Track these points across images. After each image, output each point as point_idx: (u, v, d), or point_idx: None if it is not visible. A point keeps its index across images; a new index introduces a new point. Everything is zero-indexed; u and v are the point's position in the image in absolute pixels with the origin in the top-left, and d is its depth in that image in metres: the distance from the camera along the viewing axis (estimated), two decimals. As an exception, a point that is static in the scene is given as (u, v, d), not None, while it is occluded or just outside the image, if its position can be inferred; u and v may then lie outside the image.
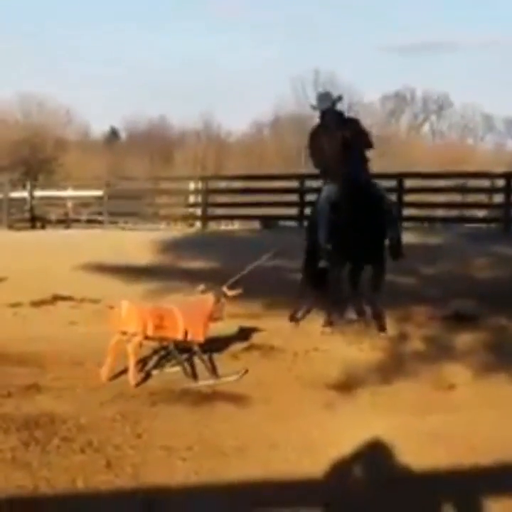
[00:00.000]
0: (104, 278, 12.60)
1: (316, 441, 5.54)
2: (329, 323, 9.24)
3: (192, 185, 25.30)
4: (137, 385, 6.93)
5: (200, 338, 7.23)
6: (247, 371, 7.37)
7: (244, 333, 8.72)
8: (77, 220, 26.20)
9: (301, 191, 22.24)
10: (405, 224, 20.37)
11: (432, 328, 9.11)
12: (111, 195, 25.75)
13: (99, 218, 25.46)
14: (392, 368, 7.49)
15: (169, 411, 6.23)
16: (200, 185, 24.77)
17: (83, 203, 27.37)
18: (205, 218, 23.59)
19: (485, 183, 23.08)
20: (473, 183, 24.32)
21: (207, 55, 79.59)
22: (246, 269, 8.21)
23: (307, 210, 23.19)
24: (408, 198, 21.39)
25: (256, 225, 23.46)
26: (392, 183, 21.18)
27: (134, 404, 6.39)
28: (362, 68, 75.41)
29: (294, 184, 23.24)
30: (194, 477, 4.95)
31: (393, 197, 20.66)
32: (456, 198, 23.89)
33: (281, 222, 23.21)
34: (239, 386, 6.88)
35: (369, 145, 9.59)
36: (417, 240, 15.84)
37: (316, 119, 9.90)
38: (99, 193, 25.81)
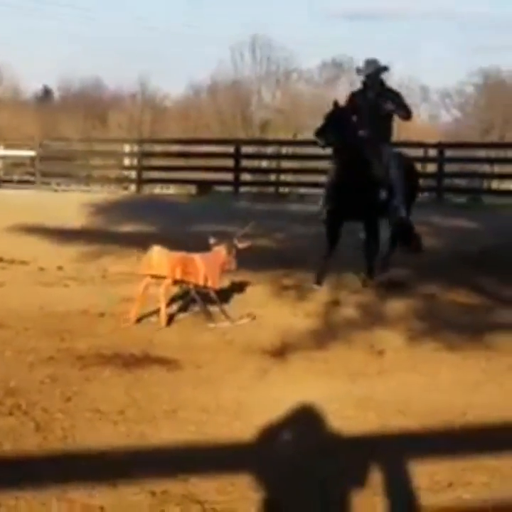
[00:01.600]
0: (35, 239, 12.43)
1: (247, 406, 5.55)
2: (318, 282, 9.48)
3: (127, 148, 25.03)
4: (168, 324, 7.62)
5: (215, 286, 7.94)
6: (255, 317, 8.00)
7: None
8: (9, 181, 25.74)
9: (237, 157, 22.17)
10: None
11: (365, 295, 9.19)
12: (43, 155, 25.35)
13: (31, 179, 25.07)
14: (325, 334, 7.54)
15: (100, 374, 6.18)
16: (135, 148, 24.54)
17: (15, 163, 26.90)
18: (140, 182, 23.41)
19: (419, 152, 23.28)
20: (406, 152, 24.48)
21: (144, 16, 78.39)
22: (248, 225, 8.53)
23: (243, 176, 23.30)
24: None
25: (191, 189, 23.34)
26: (328, 151, 21.22)
27: (64, 367, 6.32)
28: (301, 35, 75.14)
29: (229, 149, 23.16)
30: (125, 440, 4.92)
31: (327, 164, 20.78)
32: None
33: (217, 188, 23.13)
34: (171, 350, 6.85)
35: (405, 117, 10.00)
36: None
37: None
38: (31, 153, 25.38)
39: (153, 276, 7.76)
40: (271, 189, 23.13)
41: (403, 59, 71.58)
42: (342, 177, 9.60)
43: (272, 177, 24.63)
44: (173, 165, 24.77)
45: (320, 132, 9.45)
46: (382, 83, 10.04)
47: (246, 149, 24.63)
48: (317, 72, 56.18)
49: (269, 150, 27.24)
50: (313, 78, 56.05)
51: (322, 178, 21.71)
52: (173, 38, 74.04)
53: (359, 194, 9.46)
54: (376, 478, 4.46)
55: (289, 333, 7.47)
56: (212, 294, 7.98)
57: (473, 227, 11.20)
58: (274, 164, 24.84)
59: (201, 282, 7.83)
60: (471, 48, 71.57)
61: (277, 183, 23.50)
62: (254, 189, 22.82)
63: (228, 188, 22.47)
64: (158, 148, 27.62)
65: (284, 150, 27.04)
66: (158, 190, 25.33)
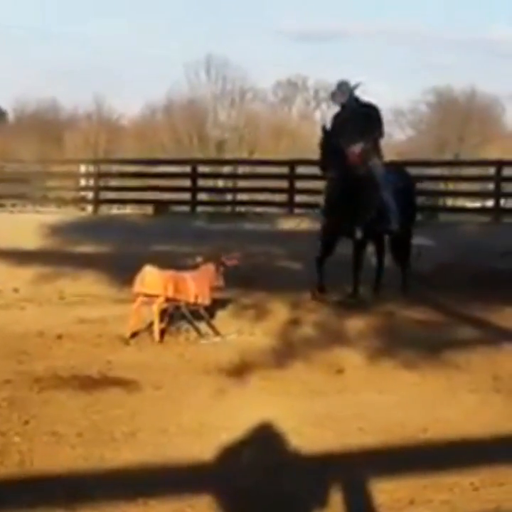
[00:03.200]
0: (-10, 262, 12.27)
1: (206, 426, 5.53)
2: (314, 296, 9.70)
3: (83, 168, 24.87)
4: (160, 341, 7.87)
5: (207, 302, 8.25)
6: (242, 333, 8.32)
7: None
8: (-37, 203, 25.45)
9: (194, 176, 22.16)
10: (297, 210, 20.57)
11: (322, 314, 9.21)
12: (-2, 177, 25.12)
13: (-14, 201, 24.81)
14: (284, 352, 7.55)
15: (57, 397, 6.12)
16: (91, 168, 24.40)
17: (-31, 186, 26.63)
18: (97, 202, 23.25)
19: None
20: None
21: (99, 37, 78.33)
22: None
23: (200, 196, 23.29)
24: (299, 184, 21.54)
25: (148, 209, 23.26)
26: (284, 170, 21.33)
27: (22, 390, 6.26)
28: (256, 55, 75.55)
29: (186, 169, 23.14)
30: (84, 464, 4.87)
31: (284, 183, 20.88)
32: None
33: (174, 207, 23.07)
34: (129, 371, 6.81)
35: (376, 138, 10.20)
36: (309, 226, 16.02)
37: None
38: (-15, 175, 25.15)
39: (146, 295, 8.03)
40: (227, 208, 23.14)
41: (356, 78, 72.15)
42: (335, 194, 9.83)
43: (229, 196, 24.65)
44: (129, 185, 24.65)
45: (324, 166, 9.82)
46: (357, 100, 10.16)
47: (202, 169, 24.63)
48: (272, 91, 56.47)
49: (226, 169, 27.28)
50: (268, 97, 56.34)
51: (277, 197, 21.91)
52: (127, 57, 74.02)
53: (349, 212, 9.65)
54: (336, 496, 4.47)
55: (248, 352, 7.47)
56: (202, 311, 8.27)
57: (429, 244, 11.29)
58: (230, 184, 24.88)
59: (192, 299, 8.14)
60: (422, 66, 72.36)
61: (234, 203, 23.53)
62: (211, 208, 22.81)
63: (185, 208, 22.41)
64: (114, 168, 27.49)
65: (240, 169, 27.11)
66: (115, 210, 25.20)
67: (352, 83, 10.12)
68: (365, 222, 9.82)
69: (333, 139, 9.77)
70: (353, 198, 9.68)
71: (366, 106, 10.23)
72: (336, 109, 10.49)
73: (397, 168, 11.36)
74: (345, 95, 10.06)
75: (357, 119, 9.96)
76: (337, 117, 10.28)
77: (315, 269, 9.96)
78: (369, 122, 10.05)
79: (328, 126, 10.16)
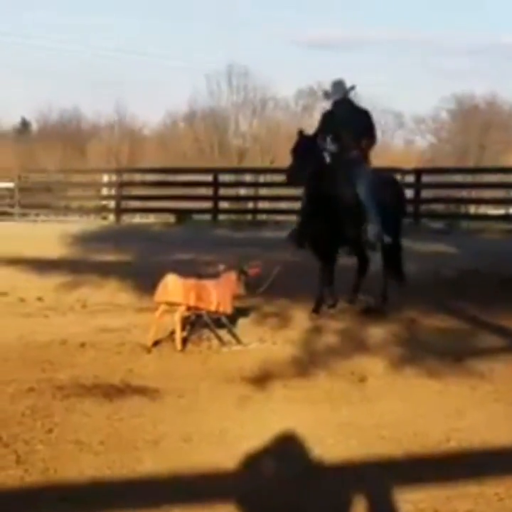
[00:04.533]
0: (14, 271, 12.35)
1: (229, 434, 5.53)
2: (316, 310, 9.54)
3: (105, 178, 25.01)
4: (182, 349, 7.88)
5: (228, 311, 8.24)
6: (265, 341, 8.31)
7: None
8: (-13, 213, 25.64)
9: (215, 185, 22.21)
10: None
11: (344, 322, 9.19)
12: (22, 187, 25.28)
13: (10, 210, 24.98)
14: (306, 361, 7.53)
15: (80, 405, 6.14)
16: (113, 177, 24.52)
17: (-6, 195, 26.82)
18: (119, 211, 23.36)
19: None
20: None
21: (121, 47, 78.78)
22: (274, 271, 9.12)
23: (221, 204, 23.34)
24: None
25: (170, 218, 23.33)
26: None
27: (45, 398, 6.28)
28: (277, 63, 75.65)
29: (208, 178, 23.20)
30: (106, 472, 4.89)
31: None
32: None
33: (196, 216, 23.13)
34: (151, 380, 6.83)
35: (369, 145, 9.95)
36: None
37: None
38: (10, 185, 25.31)
39: (168, 303, 8.04)
40: (249, 217, 23.17)
41: (378, 85, 72.17)
42: (311, 203, 9.67)
43: (250, 205, 24.69)
44: (151, 194, 24.77)
45: (291, 175, 9.53)
46: (351, 103, 10.05)
47: (224, 178, 24.70)
48: (293, 100, 56.52)
49: (247, 178, 27.32)
50: (289, 106, 56.39)
51: (298, 205, 21.89)
52: (149, 67, 74.39)
53: (327, 221, 9.48)
54: (359, 505, 4.45)
55: (270, 360, 7.46)
56: (224, 319, 8.29)
57: (451, 251, 11.25)
58: (251, 192, 24.91)
59: (214, 308, 8.16)
60: (442, 73, 72.21)
61: (255, 211, 23.56)
62: (233, 217, 22.85)
63: (207, 216, 22.48)
64: (136, 177, 27.62)
65: (262, 178, 27.14)
66: (137, 219, 25.31)
67: (347, 84, 9.98)
68: (344, 237, 9.65)
69: (309, 143, 9.56)
70: (332, 201, 9.46)
71: (359, 111, 10.10)
72: (326, 107, 10.32)
73: (385, 175, 10.91)
74: (339, 94, 9.92)
75: (349, 122, 9.74)
76: (327, 116, 10.09)
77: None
78: (360, 127, 9.82)
79: (317, 124, 10.08)
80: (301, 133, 9.68)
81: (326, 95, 10.15)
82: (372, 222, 9.66)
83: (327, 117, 10.07)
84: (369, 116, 10.09)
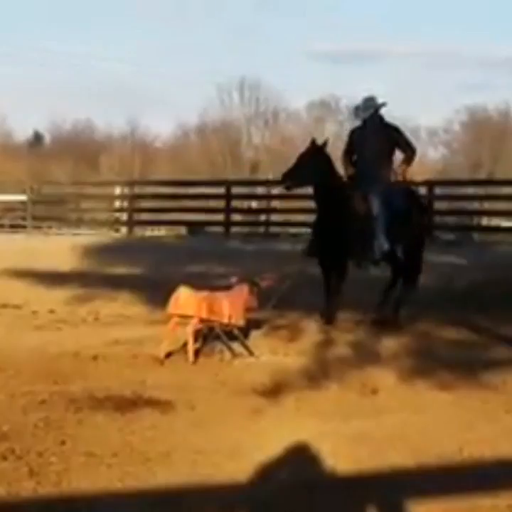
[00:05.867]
0: (26, 283, 12.42)
1: (241, 446, 5.53)
2: (327, 321, 9.58)
3: (118, 190, 25.07)
4: (194, 361, 7.90)
5: (240, 323, 8.24)
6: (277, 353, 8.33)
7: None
8: (0, 225, 25.76)
9: (228, 197, 22.25)
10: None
11: (357, 334, 9.19)
12: (35, 199, 25.38)
13: (23, 223, 25.08)
14: (318, 373, 7.53)
15: (93, 417, 6.16)
16: (125, 190, 24.58)
17: (6, 208, 26.94)
18: (131, 224, 23.41)
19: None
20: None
21: (133, 58, 79.13)
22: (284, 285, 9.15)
23: (234, 216, 23.37)
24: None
25: (182, 230, 23.38)
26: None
27: (57, 411, 6.30)
28: (288, 75, 75.87)
29: (220, 190, 23.23)
30: (119, 484, 4.90)
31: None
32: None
33: (208, 228, 23.18)
34: (164, 392, 6.84)
35: (410, 156, 9.98)
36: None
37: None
38: (22, 197, 25.42)
39: (181, 316, 8.05)
40: (261, 229, 23.19)
41: (389, 98, 72.13)
42: (320, 216, 9.76)
43: (262, 217, 24.71)
44: (163, 206, 24.82)
45: (288, 174, 9.63)
46: (381, 119, 10.06)
47: (236, 190, 24.73)
48: (305, 111, 56.64)
49: (259, 190, 27.35)
50: (301, 118, 56.50)
51: (310, 218, 21.90)
52: (161, 79, 74.64)
53: (335, 233, 9.52)
54: (372, 517, 4.45)
55: (282, 372, 7.46)
56: (236, 331, 8.29)
57: (464, 263, 11.24)
58: (264, 204, 24.94)
59: (226, 320, 8.16)
60: (455, 85, 72.26)
61: (267, 223, 23.58)
62: (245, 229, 22.87)
63: (219, 229, 22.51)
64: (148, 189, 27.68)
65: (274, 190, 27.16)
66: (149, 232, 25.37)
67: (379, 101, 10.04)
68: (347, 250, 9.64)
69: (319, 153, 9.60)
70: (340, 214, 9.53)
71: (389, 126, 10.10)
72: (355, 123, 10.35)
73: (405, 189, 11.01)
74: (369, 111, 9.96)
75: (378, 138, 9.82)
76: (355, 132, 10.17)
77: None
78: (390, 144, 9.90)
79: (346, 141, 10.21)
80: (313, 142, 9.72)
81: (357, 111, 10.14)
82: (380, 237, 9.66)
83: (356, 133, 10.16)
84: (400, 132, 10.12)
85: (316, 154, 9.58)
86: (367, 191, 9.73)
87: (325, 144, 9.72)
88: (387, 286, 10.16)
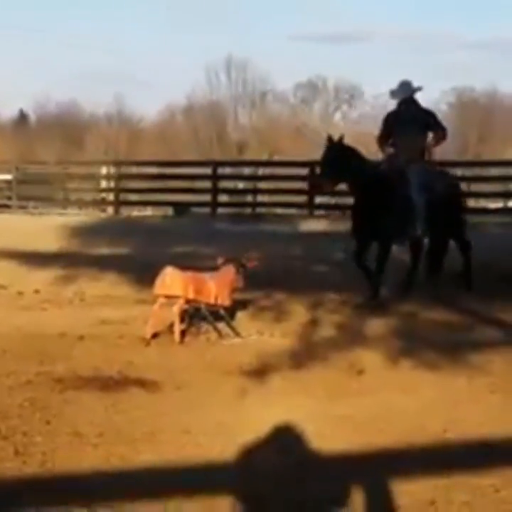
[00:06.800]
0: (12, 263, 12.36)
1: (227, 426, 5.54)
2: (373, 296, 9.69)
3: (104, 170, 24.98)
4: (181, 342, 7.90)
5: (227, 303, 8.24)
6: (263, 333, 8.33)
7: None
8: (-14, 205, 25.63)
9: (214, 178, 22.20)
10: (316, 212, 20.58)
11: (343, 314, 9.20)
12: (20, 179, 25.27)
13: (8, 203, 24.98)
14: (304, 354, 7.54)
15: (78, 398, 6.15)
16: (112, 170, 24.49)
17: (-9, 187, 26.80)
18: (118, 204, 23.35)
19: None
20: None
21: (119, 39, 78.66)
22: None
23: (220, 197, 23.32)
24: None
25: (169, 211, 23.33)
26: (304, 171, 21.32)
27: (43, 391, 6.29)
28: (276, 56, 75.59)
29: (207, 171, 23.18)
30: (105, 464, 4.90)
31: (304, 184, 20.84)
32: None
33: (194, 209, 23.13)
34: (150, 372, 6.83)
35: (441, 137, 10.30)
36: (329, 228, 16.01)
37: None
38: (8, 177, 25.30)
39: (167, 296, 8.03)
40: (248, 210, 23.17)
41: (376, 79, 72.03)
42: (358, 202, 9.89)
43: (249, 198, 24.67)
44: (150, 187, 24.77)
45: (320, 177, 9.93)
46: (416, 103, 10.31)
47: (223, 170, 24.68)
48: (292, 92, 56.45)
49: (246, 171, 27.31)
50: (288, 99, 56.35)
51: (297, 199, 21.89)
52: (148, 59, 74.29)
53: (372, 217, 9.66)
54: (357, 497, 4.46)
55: (268, 353, 7.47)
56: (222, 312, 8.28)
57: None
58: (250, 185, 24.90)
59: (212, 301, 8.16)
60: (443, 67, 72.23)
61: (254, 204, 23.55)
62: (231, 210, 22.85)
63: (205, 210, 22.47)
64: (135, 170, 27.59)
65: (261, 171, 27.14)
66: (135, 212, 25.29)
67: (414, 85, 10.28)
68: (392, 226, 9.77)
69: (340, 149, 9.69)
70: (376, 204, 9.66)
71: (424, 111, 10.41)
72: (392, 105, 10.62)
73: (444, 173, 11.36)
74: (405, 94, 10.20)
75: (413, 121, 10.08)
76: (392, 116, 10.40)
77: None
78: (424, 127, 10.17)
79: (382, 124, 10.45)
80: (330, 139, 9.77)
81: (392, 94, 10.35)
82: (420, 216, 9.89)
83: (391, 118, 10.38)
84: (434, 115, 10.48)
85: (338, 150, 9.68)
86: (404, 171, 9.94)
87: (341, 139, 9.80)
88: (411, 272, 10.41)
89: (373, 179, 9.72)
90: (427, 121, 10.26)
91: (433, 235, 10.33)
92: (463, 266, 10.55)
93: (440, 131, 10.32)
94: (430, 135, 10.35)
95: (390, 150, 10.24)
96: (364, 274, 9.85)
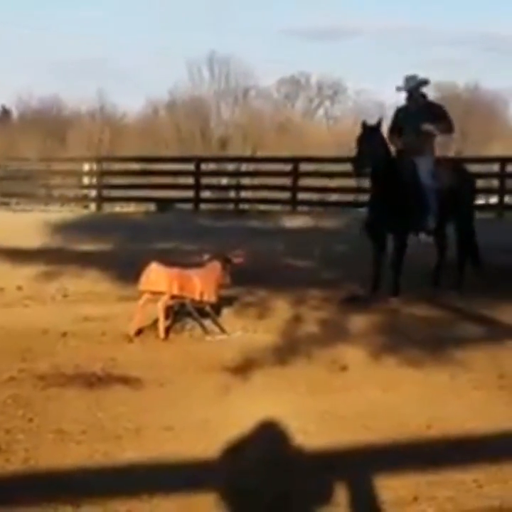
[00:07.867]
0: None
1: (210, 423, 5.54)
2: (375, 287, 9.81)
3: (86, 167, 24.87)
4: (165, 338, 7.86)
5: (213, 299, 8.19)
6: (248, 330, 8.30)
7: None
8: (-33, 201, 25.49)
9: (197, 174, 22.17)
10: (299, 208, 20.60)
11: (326, 311, 9.21)
12: (2, 175, 25.15)
13: (-10, 199, 24.84)
14: (287, 350, 7.54)
15: (62, 394, 6.14)
16: (94, 166, 24.40)
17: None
18: (100, 200, 23.28)
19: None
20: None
21: (102, 34, 78.30)
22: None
23: (203, 193, 23.29)
24: (302, 182, 21.56)
25: (152, 207, 23.28)
26: (287, 167, 21.34)
27: (26, 388, 6.27)
28: (259, 52, 75.55)
29: (190, 167, 23.15)
30: (88, 461, 4.89)
31: (288, 181, 20.85)
32: (351, 182, 24.14)
33: (177, 205, 23.09)
34: (134, 369, 6.82)
35: (445, 131, 10.50)
36: (311, 224, 16.04)
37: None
38: (-11, 173, 25.17)
39: (152, 293, 7.99)
40: (231, 206, 23.16)
41: (359, 75, 72.27)
42: (375, 191, 10.02)
43: (232, 194, 24.66)
44: (133, 183, 24.68)
45: (356, 161, 9.80)
46: (424, 96, 10.42)
47: (206, 167, 24.65)
48: (275, 88, 56.41)
49: (229, 167, 27.28)
50: (271, 95, 56.30)
51: (281, 195, 21.89)
52: (131, 54, 74.06)
53: (389, 207, 9.76)
54: (341, 493, 4.47)
55: (252, 349, 7.47)
56: (208, 308, 8.23)
57: (430, 241, 11.24)
58: (233, 181, 24.88)
59: (198, 297, 8.10)
60: (425, 62, 72.37)
61: (237, 200, 23.54)
62: (214, 206, 22.83)
63: (188, 206, 22.44)
64: (117, 166, 27.48)
65: (244, 167, 27.11)
66: (118, 208, 25.21)
67: (420, 78, 10.35)
68: (405, 220, 9.89)
69: (374, 132, 9.80)
70: (392, 195, 9.76)
71: (432, 104, 10.59)
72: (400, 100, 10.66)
73: (455, 166, 11.53)
74: (411, 88, 10.25)
75: (422, 115, 10.17)
76: (401, 111, 10.49)
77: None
78: (433, 120, 10.22)
79: (391, 119, 10.52)
80: (364, 124, 9.89)
81: (398, 89, 10.39)
82: (433, 207, 10.03)
83: (400, 112, 10.49)
84: (442, 108, 10.63)
85: (373, 136, 9.76)
86: (415, 164, 10.09)
87: (379, 123, 9.91)
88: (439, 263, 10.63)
89: (390, 169, 9.82)
90: (434, 113, 10.36)
91: (457, 227, 10.59)
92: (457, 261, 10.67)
93: (446, 123, 10.43)
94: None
95: (401, 144, 10.29)
96: (374, 270, 9.90)
